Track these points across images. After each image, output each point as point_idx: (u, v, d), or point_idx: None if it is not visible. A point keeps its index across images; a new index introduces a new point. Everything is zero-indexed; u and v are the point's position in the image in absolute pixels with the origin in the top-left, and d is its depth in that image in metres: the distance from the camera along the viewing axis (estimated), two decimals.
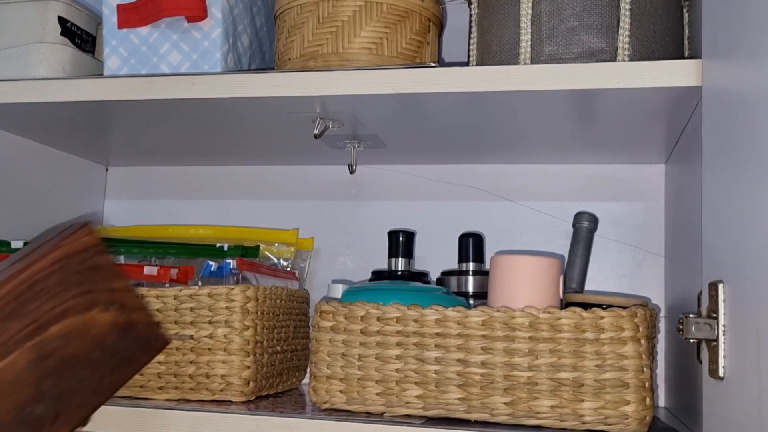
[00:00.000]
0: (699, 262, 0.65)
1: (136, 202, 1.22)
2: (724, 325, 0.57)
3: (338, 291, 0.85)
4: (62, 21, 0.93)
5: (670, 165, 1.01)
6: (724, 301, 0.57)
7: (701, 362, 0.64)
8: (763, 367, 0.48)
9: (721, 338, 0.57)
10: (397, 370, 0.74)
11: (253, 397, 0.83)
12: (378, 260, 1.11)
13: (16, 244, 0.92)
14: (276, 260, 1.04)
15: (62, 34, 0.93)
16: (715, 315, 0.58)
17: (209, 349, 0.81)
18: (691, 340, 0.62)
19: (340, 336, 0.76)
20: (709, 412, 0.62)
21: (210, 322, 0.81)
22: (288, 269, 1.03)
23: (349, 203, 1.14)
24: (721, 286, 0.58)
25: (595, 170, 1.07)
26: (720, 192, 0.60)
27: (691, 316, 0.61)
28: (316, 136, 0.88)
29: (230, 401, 0.81)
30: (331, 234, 1.14)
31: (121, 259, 0.92)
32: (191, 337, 0.82)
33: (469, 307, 0.75)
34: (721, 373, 0.57)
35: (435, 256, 1.08)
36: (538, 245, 1.08)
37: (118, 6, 0.88)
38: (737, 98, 0.56)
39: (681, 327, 0.71)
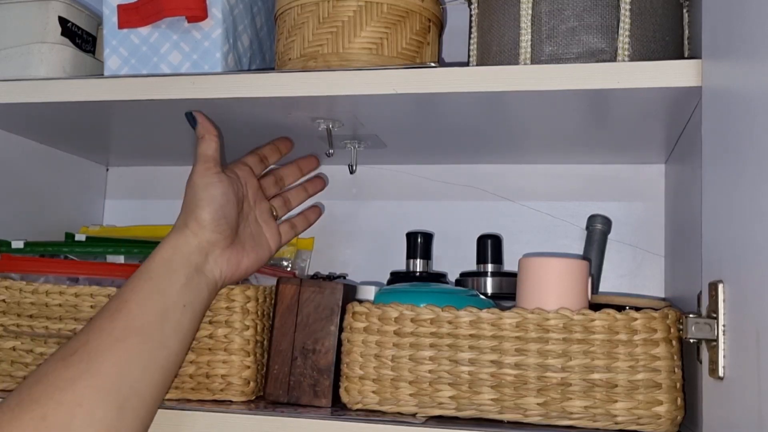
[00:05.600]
0: (699, 262, 0.65)
1: (136, 202, 1.22)
2: (724, 325, 0.57)
3: (370, 292, 0.86)
4: (62, 21, 0.93)
5: (670, 165, 1.01)
6: (724, 301, 0.57)
7: (701, 362, 0.64)
8: (763, 367, 0.48)
9: (721, 338, 0.57)
10: (430, 371, 0.75)
11: (254, 397, 0.83)
12: (378, 260, 1.11)
13: (16, 244, 0.92)
14: (276, 260, 1.04)
15: (62, 34, 0.93)
16: (715, 315, 0.58)
17: (209, 349, 0.81)
18: (691, 340, 0.62)
19: (374, 337, 0.77)
20: (708, 412, 0.62)
21: (210, 322, 0.81)
22: (288, 269, 1.03)
23: (349, 203, 1.14)
24: (721, 286, 0.58)
25: (595, 170, 1.07)
26: (720, 192, 0.60)
27: (690, 316, 0.61)
28: (328, 155, 0.92)
29: (230, 401, 0.81)
30: (331, 234, 1.14)
31: (121, 259, 0.92)
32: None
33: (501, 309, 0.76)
34: (720, 374, 0.57)
35: (435, 255, 1.08)
36: (538, 245, 1.08)
37: (119, 6, 0.88)
38: (737, 98, 0.56)
39: (681, 327, 0.71)
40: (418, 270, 1.02)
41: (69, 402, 0.65)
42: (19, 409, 0.65)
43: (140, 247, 0.93)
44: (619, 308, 0.75)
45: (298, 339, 0.80)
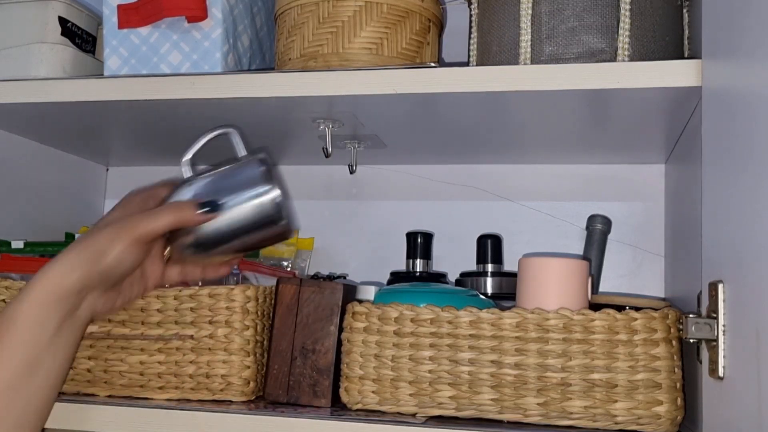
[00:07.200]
0: (699, 262, 0.65)
1: None
2: (723, 325, 0.57)
3: (370, 292, 0.86)
4: (62, 21, 0.93)
5: (670, 165, 1.01)
6: (723, 301, 0.57)
7: (701, 362, 0.64)
8: (763, 367, 0.48)
9: (721, 338, 0.57)
10: (430, 371, 0.75)
11: (254, 397, 0.83)
12: (378, 260, 1.11)
13: (16, 244, 0.92)
14: (276, 260, 1.04)
15: (62, 34, 0.93)
16: (714, 315, 0.58)
17: (209, 349, 0.81)
18: (691, 340, 0.62)
19: (373, 337, 0.77)
20: (708, 412, 0.62)
21: (210, 322, 0.81)
22: (288, 269, 1.03)
23: (349, 203, 1.14)
24: (720, 286, 0.58)
25: (595, 170, 1.07)
26: (720, 192, 0.60)
27: (690, 316, 0.61)
28: (327, 155, 0.91)
29: (230, 401, 0.81)
30: (331, 234, 1.14)
31: None
32: (191, 336, 0.82)
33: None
34: (720, 373, 0.57)
35: (435, 255, 1.08)
36: (538, 245, 1.08)
37: (119, 6, 0.88)
38: (737, 98, 0.56)
39: (681, 327, 0.71)
40: (418, 270, 1.02)
41: None
42: None
43: None
44: (619, 308, 0.75)
45: (298, 339, 0.81)
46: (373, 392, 0.76)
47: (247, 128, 0.95)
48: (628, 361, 0.71)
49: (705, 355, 0.61)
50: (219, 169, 0.80)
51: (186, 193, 0.78)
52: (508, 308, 0.75)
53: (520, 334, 0.73)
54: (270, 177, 0.78)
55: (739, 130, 0.55)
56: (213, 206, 0.76)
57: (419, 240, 1.03)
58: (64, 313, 0.70)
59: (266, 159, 0.80)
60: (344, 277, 1.07)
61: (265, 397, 0.81)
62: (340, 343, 0.79)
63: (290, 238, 0.84)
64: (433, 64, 0.83)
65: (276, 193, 0.77)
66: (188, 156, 0.80)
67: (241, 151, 0.81)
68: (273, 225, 0.78)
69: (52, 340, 0.70)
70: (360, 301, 0.79)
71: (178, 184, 0.81)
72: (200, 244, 0.78)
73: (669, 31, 0.81)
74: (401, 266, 1.05)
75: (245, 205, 0.77)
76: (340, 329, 0.79)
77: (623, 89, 0.73)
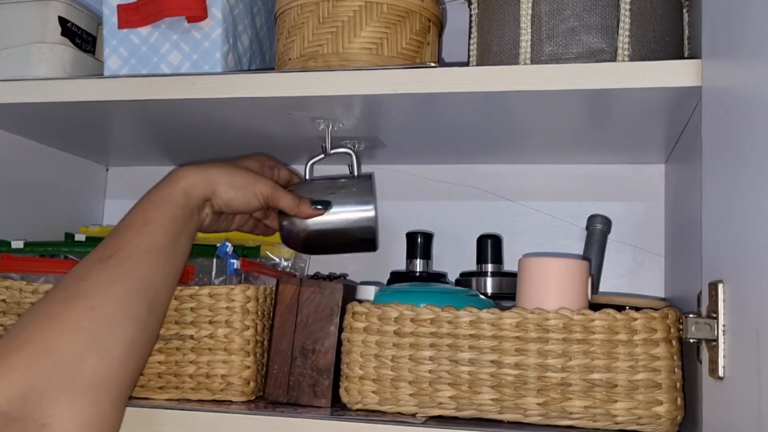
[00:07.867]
0: (699, 262, 0.65)
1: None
2: (723, 325, 0.57)
3: (370, 292, 0.86)
4: (62, 21, 0.93)
5: (670, 165, 1.01)
6: (724, 301, 0.57)
7: (701, 362, 0.64)
8: (763, 367, 0.48)
9: (721, 338, 0.57)
10: (430, 371, 0.75)
11: (254, 397, 0.83)
12: (377, 260, 1.11)
13: (16, 244, 0.92)
14: (277, 260, 1.04)
15: (62, 34, 0.93)
16: (714, 315, 0.58)
17: (209, 349, 0.81)
18: (691, 340, 0.62)
19: (373, 337, 0.77)
20: (708, 412, 0.62)
21: (210, 322, 0.81)
22: (288, 269, 1.03)
23: None
24: (720, 286, 0.58)
25: (594, 170, 1.07)
26: (720, 192, 0.60)
27: (690, 316, 0.61)
28: (326, 154, 0.93)
29: (230, 401, 0.81)
30: None
31: None
32: (191, 336, 0.82)
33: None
34: (720, 373, 0.57)
35: (435, 255, 1.08)
36: (538, 245, 1.08)
37: (119, 6, 0.88)
38: (737, 98, 0.56)
39: (681, 327, 0.71)
40: (418, 270, 1.02)
41: (112, 297, 0.74)
42: (70, 301, 0.73)
43: None
44: (619, 308, 0.75)
45: (298, 339, 0.81)
46: (373, 392, 0.76)
47: (247, 128, 0.95)
48: (628, 361, 0.71)
49: (705, 355, 0.61)
50: (333, 180, 0.94)
51: (304, 191, 0.92)
52: (508, 308, 0.75)
53: (520, 334, 0.73)
54: (373, 196, 0.92)
55: (738, 130, 0.55)
56: (323, 206, 0.92)
57: (419, 240, 1.03)
58: (196, 207, 0.84)
59: (373, 181, 0.94)
60: (344, 277, 1.07)
61: (265, 397, 0.81)
62: (340, 343, 0.79)
63: (372, 251, 0.95)
64: (432, 64, 0.83)
65: (374, 211, 0.91)
66: (313, 161, 0.95)
67: (356, 171, 0.95)
68: (362, 236, 0.92)
69: (187, 222, 0.83)
70: (360, 301, 0.79)
71: (300, 182, 0.96)
72: (297, 227, 0.93)
73: (669, 31, 0.81)
74: (401, 266, 1.05)
75: (346, 213, 0.92)
76: (340, 329, 0.79)
77: (623, 89, 0.73)
